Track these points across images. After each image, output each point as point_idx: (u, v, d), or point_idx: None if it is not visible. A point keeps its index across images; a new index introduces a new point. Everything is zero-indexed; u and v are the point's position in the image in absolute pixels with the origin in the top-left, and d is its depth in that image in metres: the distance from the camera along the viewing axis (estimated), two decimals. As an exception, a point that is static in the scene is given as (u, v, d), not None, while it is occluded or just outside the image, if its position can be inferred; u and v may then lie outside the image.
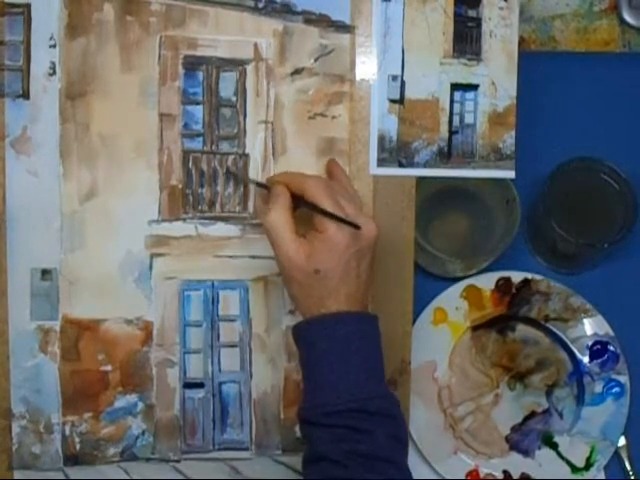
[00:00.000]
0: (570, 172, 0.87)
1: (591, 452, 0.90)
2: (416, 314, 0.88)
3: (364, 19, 0.81)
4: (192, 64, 0.80)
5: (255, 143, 0.81)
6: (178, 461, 0.83)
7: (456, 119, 0.82)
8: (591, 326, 0.92)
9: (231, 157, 0.81)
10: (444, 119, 0.82)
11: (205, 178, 0.81)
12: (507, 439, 0.92)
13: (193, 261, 0.81)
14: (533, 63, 0.86)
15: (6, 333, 0.80)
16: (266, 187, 0.76)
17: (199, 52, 0.80)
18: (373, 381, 0.71)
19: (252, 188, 0.81)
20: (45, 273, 0.80)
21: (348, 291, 0.71)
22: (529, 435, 0.91)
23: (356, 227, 0.70)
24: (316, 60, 0.81)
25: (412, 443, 0.89)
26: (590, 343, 0.92)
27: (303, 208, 0.72)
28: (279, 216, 0.71)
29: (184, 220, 0.81)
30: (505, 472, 0.90)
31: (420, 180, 0.82)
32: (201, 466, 0.83)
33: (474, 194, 0.91)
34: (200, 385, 0.82)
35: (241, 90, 0.81)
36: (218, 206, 0.81)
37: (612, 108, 0.95)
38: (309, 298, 0.71)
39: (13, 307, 0.80)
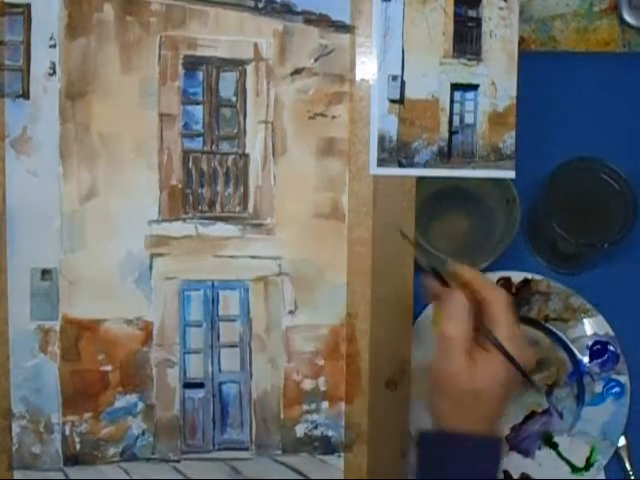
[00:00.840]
0: (570, 172, 0.87)
1: (591, 452, 0.90)
2: (416, 314, 0.88)
3: (364, 19, 0.81)
4: (192, 64, 0.80)
5: (255, 143, 0.81)
6: (178, 461, 0.83)
7: (456, 119, 0.82)
8: (591, 326, 0.92)
9: (231, 157, 0.81)
10: (444, 119, 0.82)
11: (205, 178, 0.81)
12: (507, 439, 0.92)
13: (193, 261, 0.81)
14: (533, 63, 0.86)
15: (6, 333, 0.80)
16: (441, 277, 0.72)
17: (199, 52, 0.80)
18: None
19: (252, 188, 0.81)
20: (45, 273, 0.80)
21: (499, 414, 0.70)
22: (529, 435, 0.91)
23: (531, 384, 0.71)
24: (316, 60, 0.81)
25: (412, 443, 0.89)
26: (590, 343, 0.92)
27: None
28: (459, 331, 0.68)
29: (184, 220, 0.81)
30: (505, 472, 0.90)
31: (420, 180, 0.82)
32: (201, 466, 0.83)
33: (474, 194, 0.91)
34: (200, 385, 0.82)
35: (241, 90, 0.81)
36: (218, 206, 0.81)
37: (612, 108, 0.95)
38: (458, 416, 0.69)
39: (13, 307, 0.80)
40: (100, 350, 0.81)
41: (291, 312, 0.82)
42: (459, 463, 0.69)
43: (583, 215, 0.89)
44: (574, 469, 0.90)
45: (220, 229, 0.81)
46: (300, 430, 0.83)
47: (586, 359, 0.92)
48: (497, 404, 0.69)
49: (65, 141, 0.80)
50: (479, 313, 0.70)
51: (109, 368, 0.81)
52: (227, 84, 0.81)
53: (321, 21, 0.80)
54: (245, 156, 0.81)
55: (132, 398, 0.81)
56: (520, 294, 0.92)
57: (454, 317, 0.69)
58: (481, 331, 0.69)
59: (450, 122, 0.82)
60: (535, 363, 0.91)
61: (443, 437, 0.70)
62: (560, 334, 0.92)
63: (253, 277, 0.82)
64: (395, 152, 0.81)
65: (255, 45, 0.80)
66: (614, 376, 0.91)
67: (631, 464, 0.91)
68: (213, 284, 0.82)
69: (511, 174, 0.83)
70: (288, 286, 0.82)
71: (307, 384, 0.83)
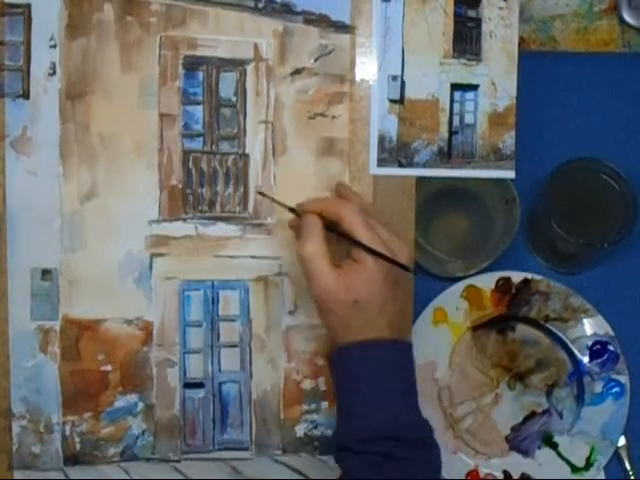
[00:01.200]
0: (570, 172, 0.87)
1: (591, 452, 0.90)
2: (416, 314, 0.88)
3: (364, 19, 0.81)
4: (192, 64, 0.80)
5: (255, 143, 0.81)
6: (178, 461, 0.83)
7: (456, 119, 0.82)
8: (591, 326, 0.92)
9: (231, 157, 0.81)
10: (444, 119, 0.82)
11: (205, 178, 0.81)
12: (507, 439, 0.92)
13: (193, 261, 0.81)
14: (533, 63, 0.86)
15: (6, 333, 0.80)
16: (295, 212, 0.74)
17: (199, 52, 0.80)
18: (407, 409, 0.71)
19: (252, 188, 0.81)
20: (45, 273, 0.80)
21: (388, 319, 0.71)
22: (529, 435, 0.91)
23: (401, 266, 0.70)
24: (316, 60, 0.81)
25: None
26: (590, 343, 0.92)
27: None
28: (315, 248, 0.70)
29: (184, 220, 0.81)
30: (505, 472, 0.90)
31: (420, 180, 0.82)
32: (201, 466, 0.83)
33: (474, 194, 0.91)
34: (200, 385, 0.82)
35: (241, 90, 0.81)
36: (218, 206, 0.81)
37: (612, 108, 0.95)
38: (348, 328, 0.71)
39: (13, 307, 0.80)
40: (100, 350, 0.81)
41: (291, 312, 0.82)
42: (370, 371, 0.70)
43: (583, 215, 0.89)
44: (574, 469, 0.90)
45: (220, 229, 0.81)
46: (300, 430, 0.83)
47: (586, 359, 0.91)
48: (382, 308, 0.70)
49: (65, 141, 0.80)
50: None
51: (109, 368, 0.81)
52: (227, 84, 0.81)
53: (321, 21, 0.80)
54: (245, 156, 0.81)
55: (132, 398, 0.81)
56: (520, 294, 0.92)
57: (306, 237, 0.70)
58: (343, 237, 0.71)
59: (450, 122, 0.82)
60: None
61: (349, 349, 0.71)
62: (560, 334, 0.92)
63: (253, 277, 0.82)
64: (395, 152, 0.81)
65: (255, 45, 0.80)
66: (614, 376, 0.91)
67: (631, 464, 0.91)
68: (213, 284, 0.82)
69: (511, 174, 0.83)
70: (288, 286, 0.82)
71: (307, 384, 0.83)
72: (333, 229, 0.71)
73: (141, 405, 0.82)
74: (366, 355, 0.70)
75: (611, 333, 0.91)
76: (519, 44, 0.82)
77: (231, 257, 0.82)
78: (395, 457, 0.68)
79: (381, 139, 0.81)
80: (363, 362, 0.70)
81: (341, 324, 0.71)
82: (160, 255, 0.81)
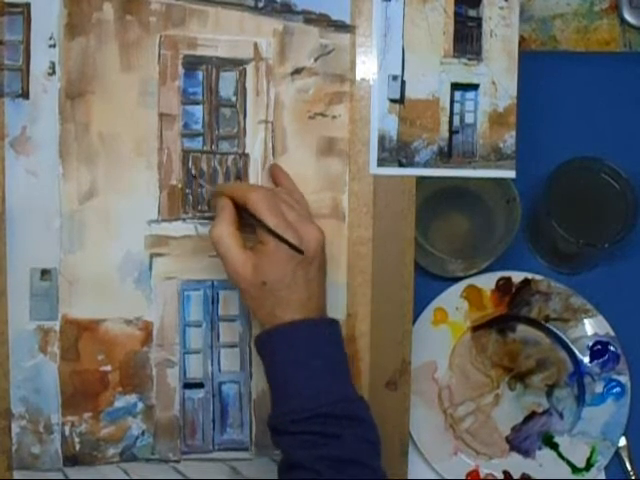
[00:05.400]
0: (570, 172, 0.87)
1: (591, 452, 0.90)
2: (416, 314, 0.88)
3: (364, 19, 0.81)
4: (192, 64, 0.80)
5: (255, 143, 0.81)
6: (178, 461, 0.82)
7: (456, 119, 0.82)
8: (592, 326, 0.92)
9: (231, 157, 0.81)
10: (444, 119, 0.82)
11: (205, 178, 0.81)
12: (507, 439, 0.92)
13: (193, 261, 0.81)
14: (533, 63, 0.86)
15: (6, 333, 0.80)
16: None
17: (199, 52, 0.80)
18: (337, 385, 0.72)
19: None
20: (45, 273, 0.80)
21: (299, 299, 0.72)
22: (529, 435, 0.91)
23: (293, 247, 0.70)
24: (316, 60, 0.81)
25: (412, 443, 0.89)
26: (591, 343, 0.92)
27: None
28: (223, 230, 0.72)
29: (184, 220, 0.81)
30: (505, 472, 0.90)
31: (420, 180, 0.82)
32: (201, 466, 0.83)
33: (474, 194, 0.91)
34: (200, 385, 0.82)
35: (241, 90, 0.81)
36: (218, 206, 0.81)
37: (612, 108, 0.95)
38: (262, 309, 0.72)
39: (13, 307, 0.80)
40: (100, 350, 0.81)
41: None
42: (295, 352, 0.71)
43: (583, 215, 0.89)
44: (574, 469, 0.90)
45: (220, 229, 0.81)
46: (300, 430, 0.83)
47: (587, 359, 0.92)
48: (292, 288, 0.71)
49: (65, 141, 0.79)
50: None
51: (109, 368, 0.81)
52: (227, 84, 0.81)
53: (321, 21, 0.80)
54: (245, 156, 0.81)
55: (132, 398, 0.81)
56: (520, 294, 0.92)
57: (216, 219, 0.73)
58: (251, 220, 0.72)
59: (450, 122, 0.82)
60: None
61: (270, 333, 0.72)
62: (560, 334, 0.92)
63: (253, 277, 0.82)
64: (395, 152, 0.81)
65: (255, 45, 0.80)
66: (614, 376, 0.91)
67: (632, 464, 0.91)
68: (213, 284, 0.82)
69: (511, 174, 0.82)
70: (288, 286, 0.82)
71: (307, 384, 0.82)
72: (248, 213, 0.72)
73: (141, 405, 0.82)
74: (289, 337, 0.71)
75: (612, 333, 0.91)
76: (520, 44, 0.82)
77: (231, 257, 0.81)
78: (328, 434, 0.69)
79: (381, 139, 0.81)
80: (287, 344, 0.71)
81: (256, 305, 0.73)
82: (160, 255, 0.81)
